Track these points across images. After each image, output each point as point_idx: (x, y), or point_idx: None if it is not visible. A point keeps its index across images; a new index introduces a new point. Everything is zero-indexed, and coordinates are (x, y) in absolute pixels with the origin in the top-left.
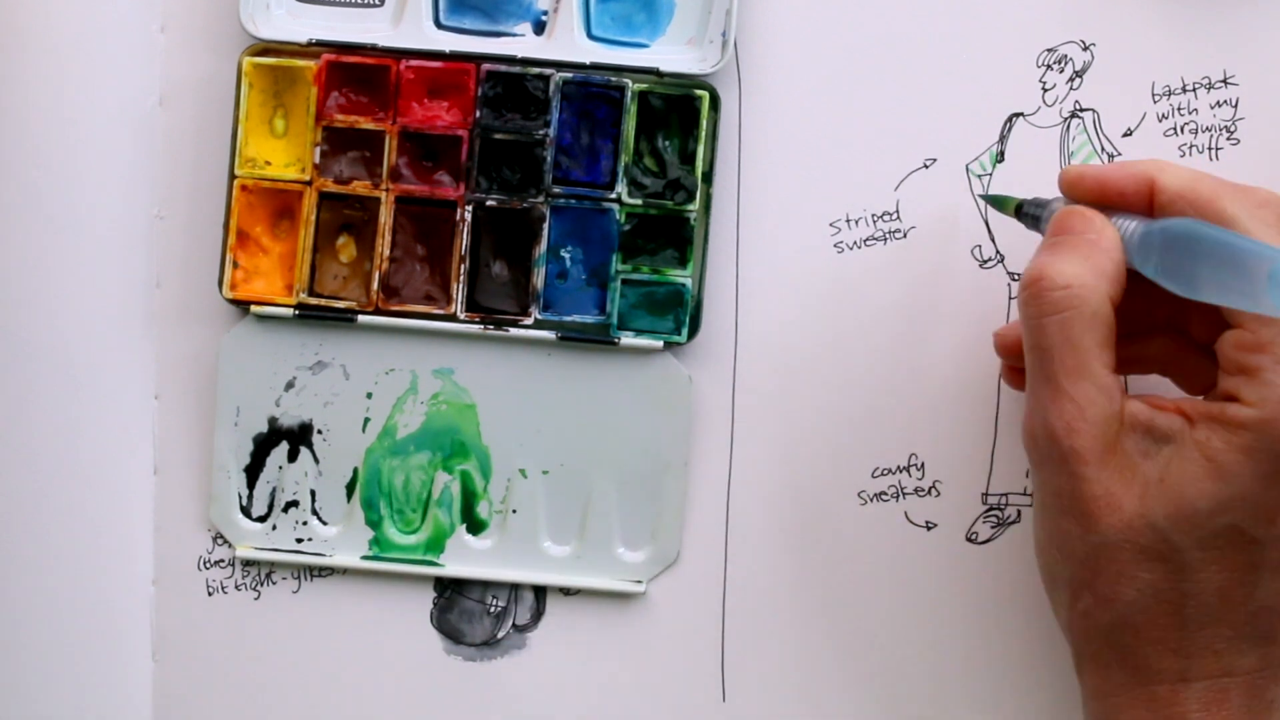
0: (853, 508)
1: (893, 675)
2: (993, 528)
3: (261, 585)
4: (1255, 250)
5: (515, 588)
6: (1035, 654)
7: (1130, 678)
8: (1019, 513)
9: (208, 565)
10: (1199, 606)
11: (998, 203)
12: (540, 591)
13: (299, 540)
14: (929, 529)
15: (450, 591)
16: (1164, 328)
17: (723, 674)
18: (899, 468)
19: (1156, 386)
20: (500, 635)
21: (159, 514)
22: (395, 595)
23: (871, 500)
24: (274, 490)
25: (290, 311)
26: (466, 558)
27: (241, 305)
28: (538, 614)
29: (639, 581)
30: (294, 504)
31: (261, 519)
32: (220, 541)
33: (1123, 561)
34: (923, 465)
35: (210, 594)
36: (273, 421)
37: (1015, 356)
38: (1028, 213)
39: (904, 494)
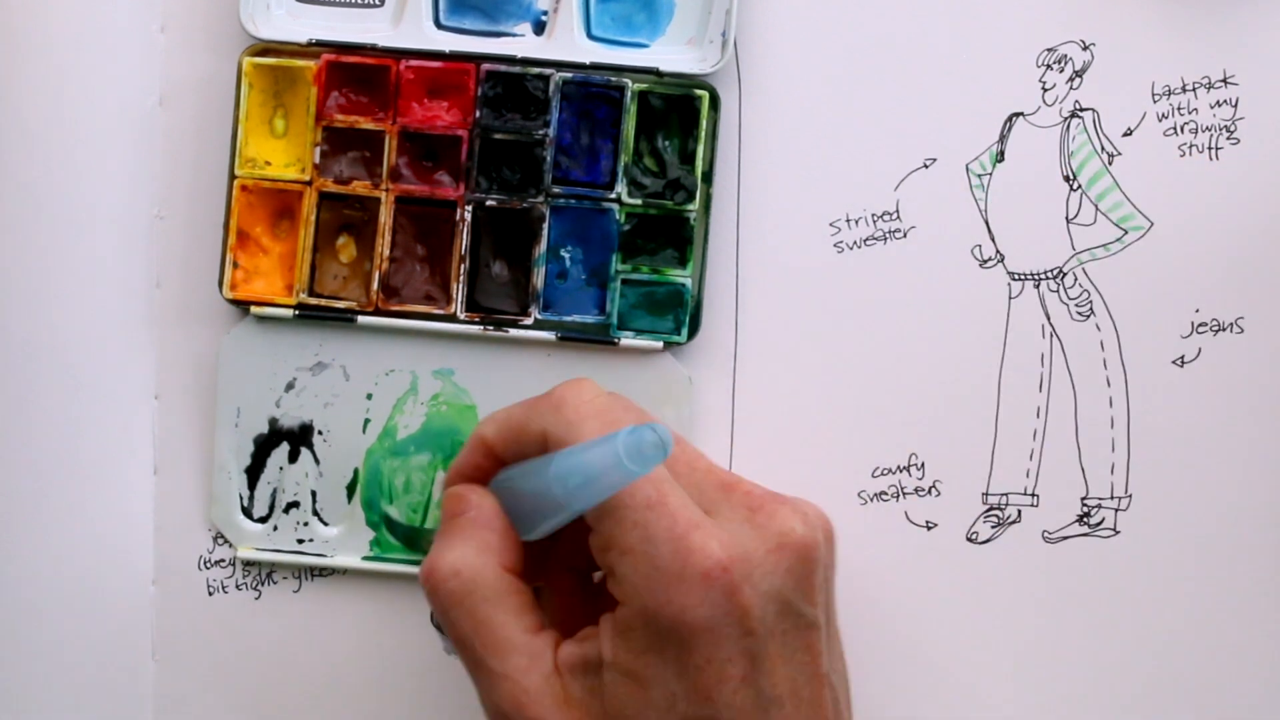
0: (853, 508)
1: (892, 675)
2: (993, 528)
3: (262, 585)
4: (537, 465)
5: None
6: (1035, 654)
7: None
8: (1019, 513)
9: (208, 565)
10: None
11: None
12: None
13: (300, 541)
14: (929, 529)
15: None
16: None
17: None
18: (899, 468)
19: None
20: None
21: (159, 514)
22: (396, 595)
23: (871, 500)
24: (275, 491)
25: (290, 312)
26: None
27: (241, 305)
28: None
29: None
30: (295, 505)
31: (263, 520)
32: (220, 541)
33: None
34: (923, 465)
35: (210, 594)
36: (273, 422)
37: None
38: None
39: (904, 494)
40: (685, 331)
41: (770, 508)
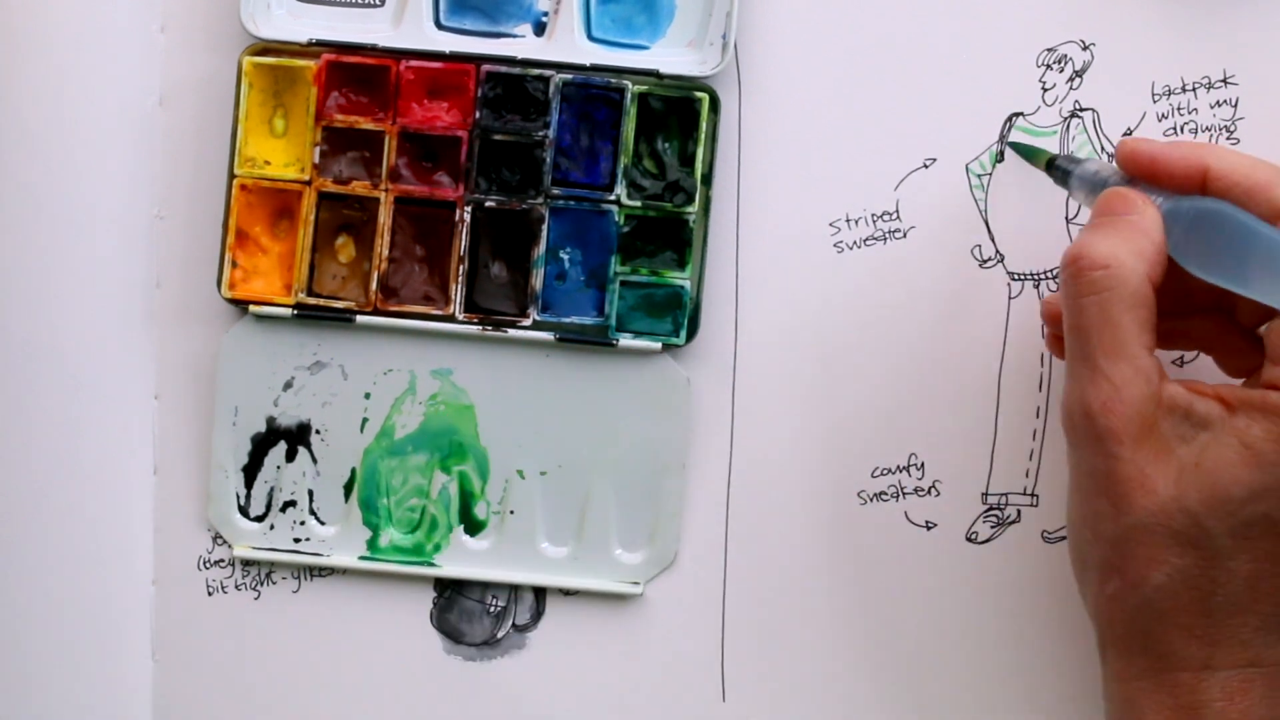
0: (853, 508)
1: (892, 675)
2: (993, 528)
3: (261, 585)
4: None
5: (515, 588)
6: (1035, 653)
7: (1154, 663)
8: (1019, 513)
9: (208, 565)
10: (1228, 595)
11: (1027, 153)
12: (540, 591)
13: (296, 540)
14: (929, 529)
15: (450, 591)
16: (1210, 309)
17: (723, 674)
18: (899, 468)
19: (1199, 372)
20: (500, 635)
21: (159, 514)
22: (395, 595)
23: (871, 500)
24: (272, 490)
25: (289, 311)
26: (464, 558)
27: (240, 305)
28: (537, 614)
29: (636, 583)
30: (292, 504)
31: (259, 519)
32: (220, 541)
33: (1153, 545)
34: (923, 465)
35: (210, 594)
36: (271, 421)
37: (1059, 325)
38: (1059, 167)
39: (904, 494)
40: (684, 333)
41: None
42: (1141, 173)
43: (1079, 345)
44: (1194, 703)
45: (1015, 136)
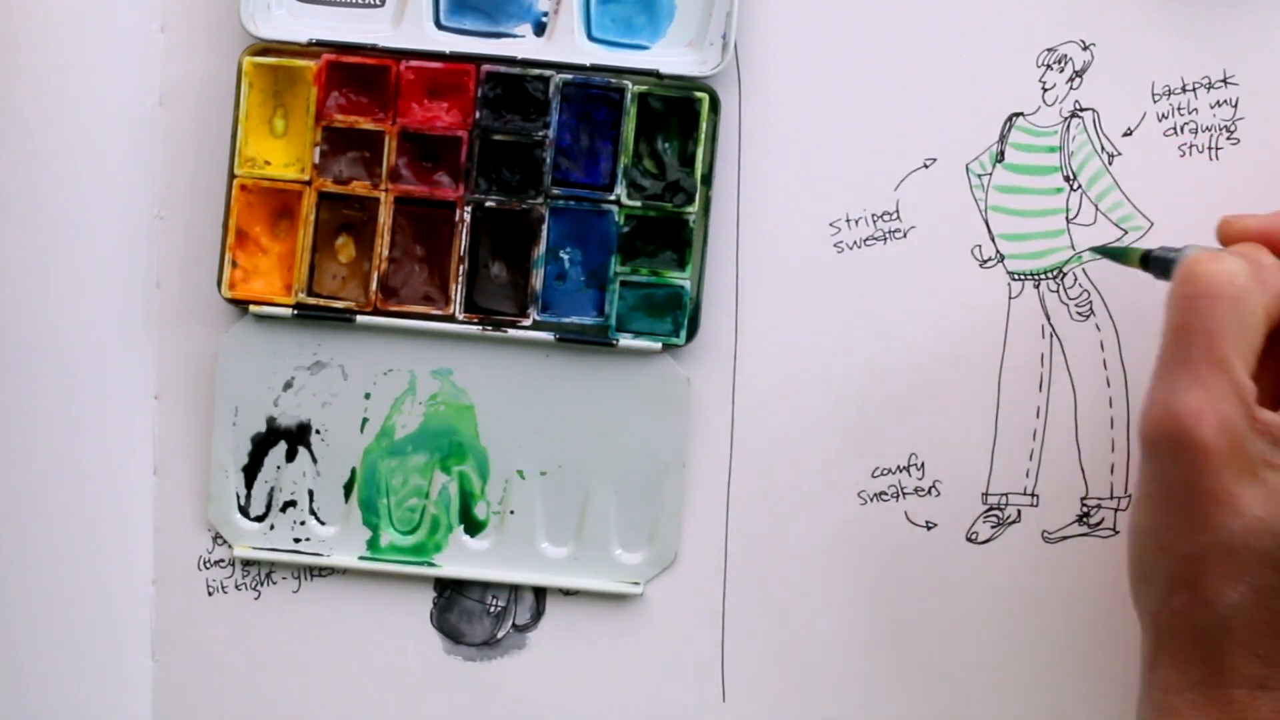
0: (853, 508)
1: (892, 675)
2: (993, 528)
3: (261, 585)
4: None
5: (515, 588)
6: (1035, 653)
7: (1209, 677)
8: (1019, 513)
9: (208, 565)
10: None
11: (1117, 255)
12: (540, 592)
13: (296, 540)
14: (929, 529)
15: (450, 591)
16: None
17: (723, 674)
18: (899, 468)
19: None
20: (500, 635)
21: (159, 514)
22: (395, 595)
23: (871, 500)
24: (272, 490)
25: (289, 311)
26: (464, 558)
27: (240, 305)
28: (538, 614)
29: (636, 583)
30: (292, 504)
31: (259, 519)
32: (220, 541)
33: (1235, 564)
34: (923, 465)
35: (210, 594)
36: (271, 421)
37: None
38: (1159, 258)
39: (904, 494)
40: (684, 333)
41: None
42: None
43: (1180, 347)
44: (1243, 719)
45: (1015, 137)
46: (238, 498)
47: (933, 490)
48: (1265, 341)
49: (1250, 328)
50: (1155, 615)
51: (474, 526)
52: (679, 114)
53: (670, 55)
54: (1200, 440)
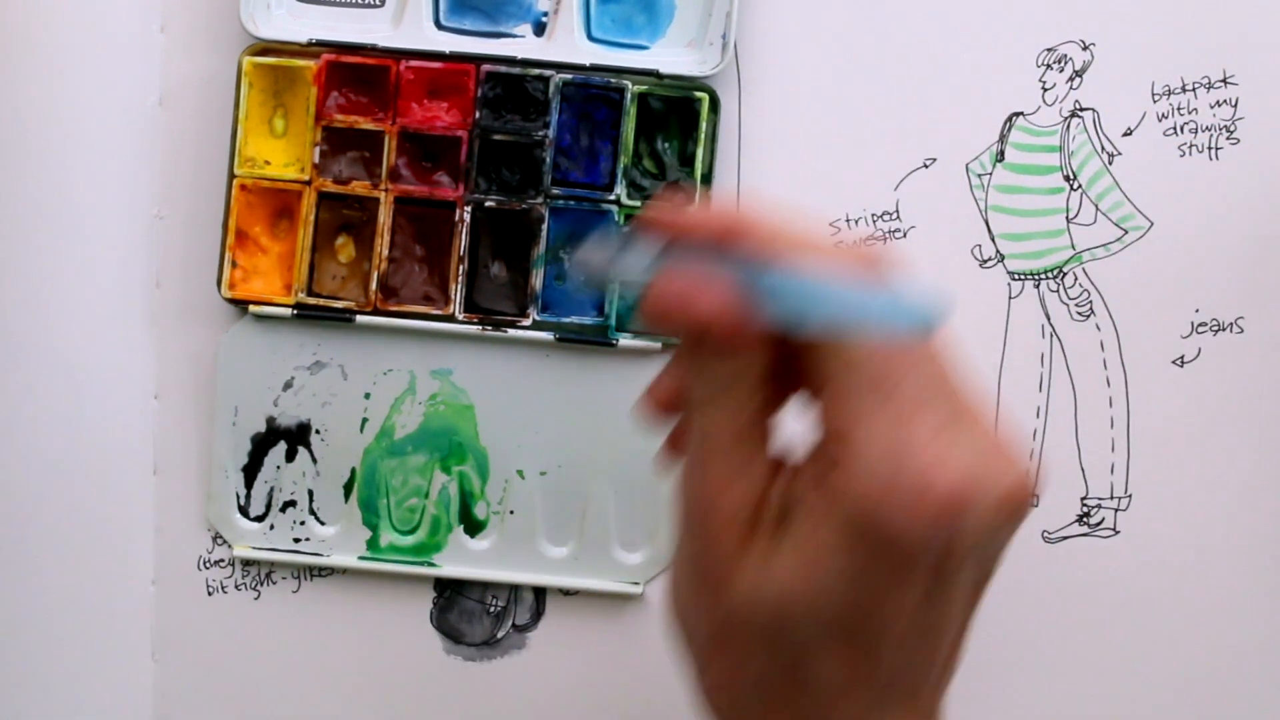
0: None
1: None
2: None
3: (261, 585)
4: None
5: (515, 588)
6: (1035, 653)
7: None
8: None
9: (208, 565)
10: (818, 695)
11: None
12: (540, 592)
13: (296, 540)
14: None
15: (450, 591)
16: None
17: None
18: None
19: None
20: (500, 635)
21: (159, 514)
22: (395, 595)
23: None
24: (272, 490)
25: (289, 311)
26: (464, 558)
27: (240, 305)
28: (537, 614)
29: (636, 583)
30: (292, 504)
31: (259, 519)
32: (220, 541)
33: (743, 642)
34: None
35: (210, 594)
36: (271, 421)
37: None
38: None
39: None
40: None
41: (1008, 451)
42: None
43: (698, 423)
44: None
45: (1015, 137)
46: (238, 498)
47: None
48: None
49: (746, 406)
50: (695, 694)
51: (474, 526)
52: (679, 114)
53: (670, 55)
54: (716, 523)
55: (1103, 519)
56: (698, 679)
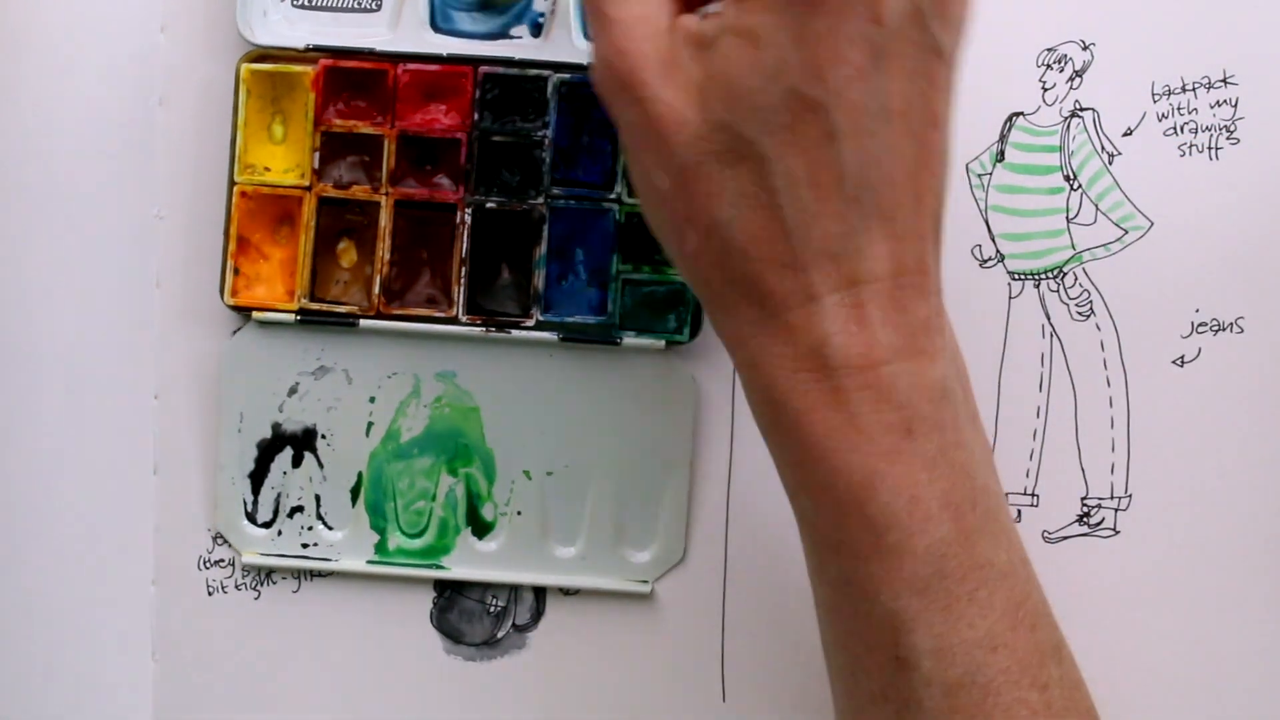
0: None
1: None
2: None
3: (261, 585)
4: None
5: (515, 588)
6: None
7: (761, 312)
8: (1019, 513)
9: (208, 565)
10: (794, 202)
11: None
12: (540, 591)
13: (305, 545)
14: None
15: (450, 591)
16: None
17: (723, 674)
18: None
19: None
20: (500, 635)
21: (159, 514)
22: (395, 595)
23: None
24: (279, 496)
25: (292, 317)
26: (472, 560)
27: (243, 311)
28: (537, 614)
29: (645, 581)
30: (299, 509)
31: (267, 525)
32: (220, 542)
33: (707, 178)
34: None
35: (210, 594)
36: (276, 427)
37: None
38: None
39: None
40: (687, 330)
41: None
42: None
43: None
44: (812, 344)
45: (1015, 137)
46: (245, 504)
47: None
48: None
49: None
50: (684, 270)
51: (481, 528)
52: None
53: None
54: (631, 72)
55: (1103, 519)
56: (680, 254)
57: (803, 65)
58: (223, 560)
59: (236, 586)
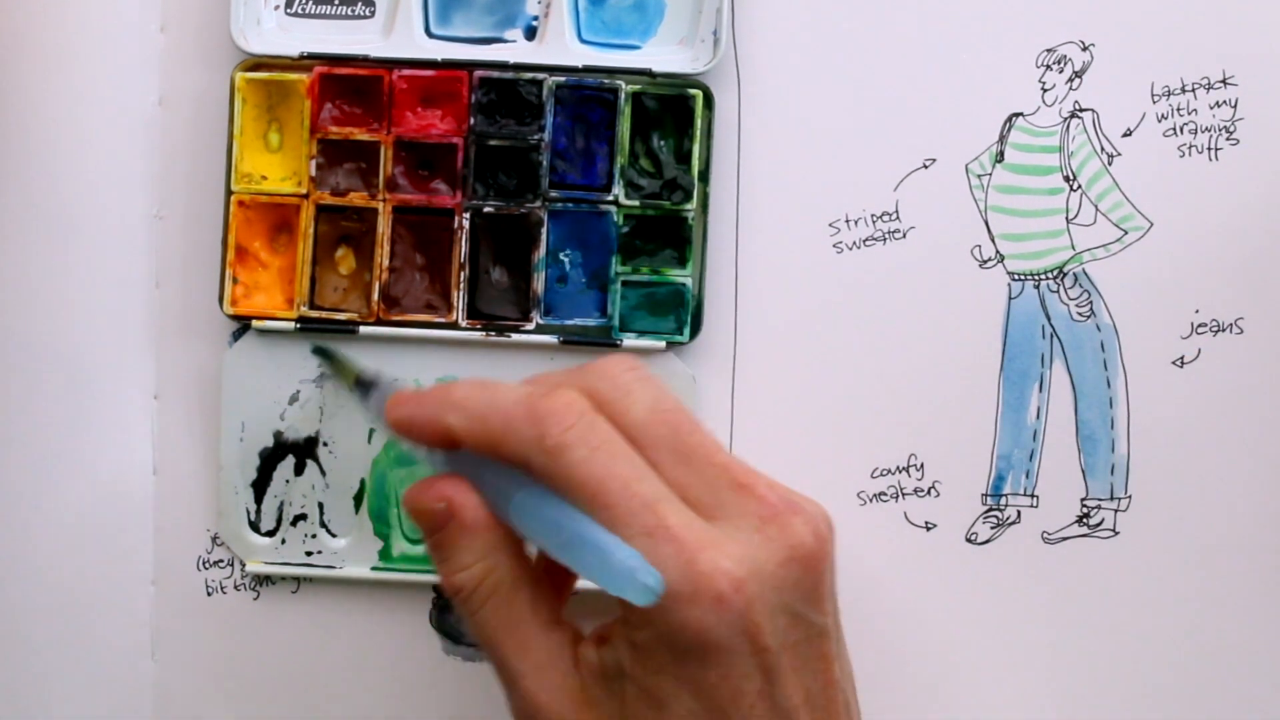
0: (853, 508)
1: (892, 676)
2: (993, 528)
3: (261, 585)
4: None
5: None
6: (1035, 654)
7: None
8: (1019, 513)
9: (207, 565)
10: None
11: (334, 365)
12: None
13: (309, 553)
14: (929, 529)
15: None
16: None
17: None
18: (899, 468)
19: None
20: None
21: (159, 514)
22: (395, 595)
23: (871, 500)
24: (282, 504)
25: (292, 325)
26: None
27: (243, 321)
28: None
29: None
30: (302, 517)
31: (270, 533)
32: (219, 542)
33: None
34: (922, 465)
35: (210, 594)
36: (278, 435)
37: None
38: (363, 382)
39: (904, 494)
40: (687, 331)
41: (783, 519)
42: (412, 438)
43: (491, 656)
44: None
45: (1014, 138)
46: (248, 513)
47: (932, 491)
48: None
49: (518, 596)
50: None
51: None
52: (674, 112)
53: (662, 54)
54: (552, 717)
55: (1102, 519)
56: None
57: (708, 711)
58: (222, 561)
59: (236, 587)
